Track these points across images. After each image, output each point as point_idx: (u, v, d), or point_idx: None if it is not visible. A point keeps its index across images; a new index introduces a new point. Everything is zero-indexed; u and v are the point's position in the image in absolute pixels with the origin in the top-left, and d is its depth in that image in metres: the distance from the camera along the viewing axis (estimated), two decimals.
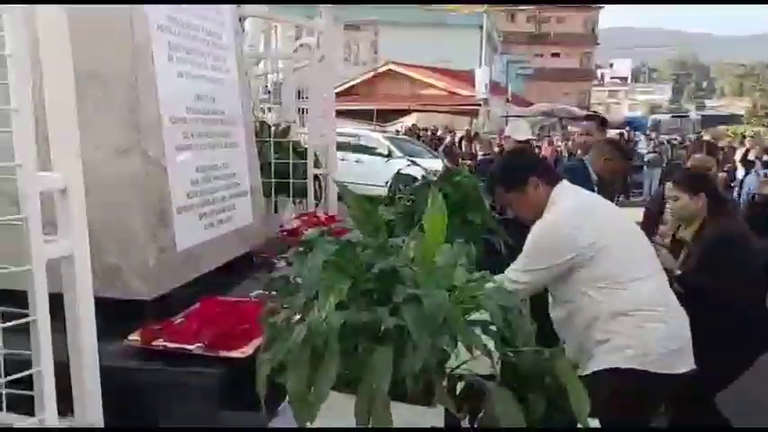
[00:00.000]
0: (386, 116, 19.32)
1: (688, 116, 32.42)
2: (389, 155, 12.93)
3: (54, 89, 1.21)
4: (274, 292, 1.46)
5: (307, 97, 3.46)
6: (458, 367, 1.30)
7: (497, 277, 2.15)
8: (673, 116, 31.29)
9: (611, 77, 67.58)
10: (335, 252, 1.28)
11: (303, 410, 1.15)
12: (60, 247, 1.23)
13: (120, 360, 1.46)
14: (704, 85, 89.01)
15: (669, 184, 2.89)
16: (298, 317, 1.31)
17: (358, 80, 21.71)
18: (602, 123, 4.30)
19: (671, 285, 2.40)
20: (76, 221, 1.25)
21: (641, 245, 2.19)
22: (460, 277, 1.34)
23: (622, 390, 1.92)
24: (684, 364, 2.03)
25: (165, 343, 1.47)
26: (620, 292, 2.00)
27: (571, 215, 2.10)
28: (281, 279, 1.39)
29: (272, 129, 3.27)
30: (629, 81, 71.21)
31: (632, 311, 1.99)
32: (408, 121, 19.28)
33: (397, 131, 17.06)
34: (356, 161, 11.41)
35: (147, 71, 1.74)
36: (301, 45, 3.68)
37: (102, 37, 1.61)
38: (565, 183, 2.22)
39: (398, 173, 2.87)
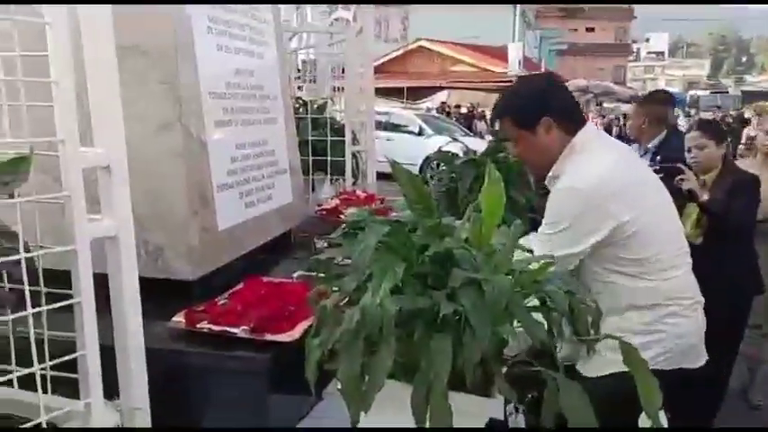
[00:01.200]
0: (416, 93, 19.11)
1: (728, 92, 31.42)
2: (420, 133, 12.83)
3: (95, 61, 1.15)
4: (321, 274, 1.41)
5: (343, 72, 3.38)
6: (517, 355, 1.23)
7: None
8: (712, 92, 30.38)
9: (648, 52, 65.74)
10: (388, 233, 1.21)
11: (356, 400, 1.10)
12: (104, 227, 1.18)
13: (164, 342, 1.43)
14: (743, 60, 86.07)
15: (693, 134, 2.92)
16: (346, 299, 1.25)
17: (388, 57, 21.47)
18: (667, 102, 4.06)
19: (701, 211, 2.69)
20: (120, 200, 1.20)
21: (675, 221, 1.84)
22: (520, 260, 1.27)
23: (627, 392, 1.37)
24: (699, 358, 1.78)
25: (209, 325, 1.43)
26: (645, 280, 1.68)
27: (611, 181, 1.68)
28: (328, 261, 1.33)
29: (309, 105, 3.20)
30: (666, 56, 69.21)
31: (655, 305, 1.69)
32: (439, 98, 19.04)
33: (428, 109, 16.86)
34: (387, 139, 11.31)
35: (187, 44, 1.68)
36: (336, 19, 3.59)
37: (144, 10, 1.55)
38: (589, 129, 1.80)
39: (440, 150, 2.78)
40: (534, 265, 1.24)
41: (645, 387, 1.14)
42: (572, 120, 1.76)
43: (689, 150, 2.89)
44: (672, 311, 1.69)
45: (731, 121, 15.44)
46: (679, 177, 2.76)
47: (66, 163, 1.10)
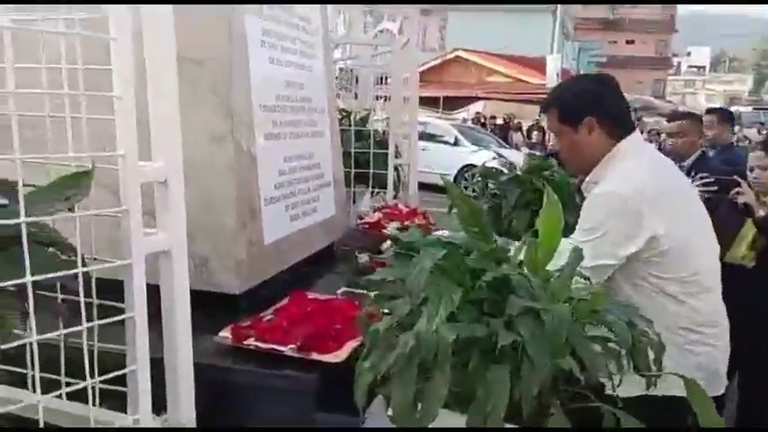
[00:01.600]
0: (452, 103, 19.05)
1: None
2: (456, 143, 12.77)
3: (157, 75, 1.15)
4: (372, 294, 1.38)
5: (383, 81, 3.36)
6: (574, 386, 1.19)
7: None
8: (755, 108, 29.60)
9: (689, 66, 64.49)
10: (444, 257, 1.18)
11: (409, 428, 1.07)
12: (160, 241, 1.18)
13: (211, 358, 1.42)
14: None
15: (758, 153, 2.78)
16: (396, 322, 1.23)
17: (426, 66, 21.47)
18: (728, 119, 3.85)
19: (757, 229, 2.52)
20: (176, 214, 1.20)
21: (712, 238, 1.73)
22: (579, 288, 1.22)
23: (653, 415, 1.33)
24: (721, 386, 1.69)
25: (256, 343, 1.42)
26: (675, 303, 1.59)
27: (650, 190, 1.61)
28: (380, 282, 1.30)
29: (352, 116, 3.19)
30: (707, 70, 67.79)
31: (683, 330, 1.60)
32: (475, 108, 18.94)
33: (464, 119, 16.79)
34: (423, 149, 11.27)
35: (241, 57, 1.68)
36: (381, 31, 3.59)
37: (200, 21, 1.55)
38: (636, 136, 1.74)
39: (484, 166, 2.73)
40: (590, 293, 1.20)
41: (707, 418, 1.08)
42: (618, 124, 1.71)
43: (751, 170, 2.77)
44: (701, 338, 1.61)
45: None
46: (735, 190, 2.66)
47: (126, 177, 1.11)
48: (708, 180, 2.90)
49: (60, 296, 1.16)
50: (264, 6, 1.83)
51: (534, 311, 1.10)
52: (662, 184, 1.67)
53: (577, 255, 1.27)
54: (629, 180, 1.61)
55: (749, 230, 2.67)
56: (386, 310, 1.27)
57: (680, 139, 3.25)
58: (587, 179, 1.75)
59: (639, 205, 1.57)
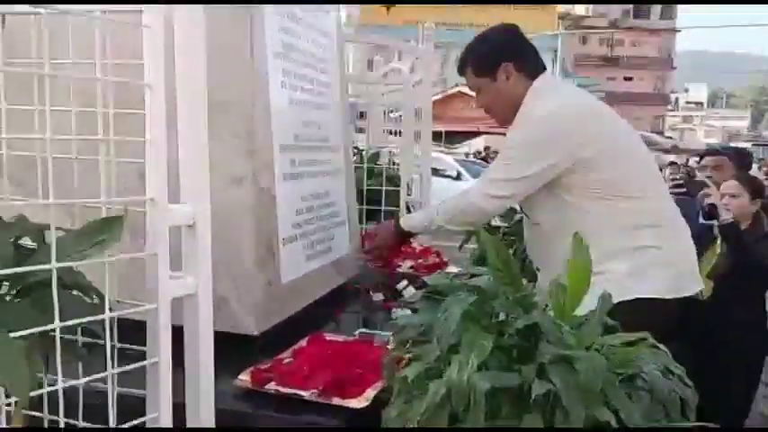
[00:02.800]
0: (454, 138, 19.18)
1: None
2: (458, 177, 12.82)
3: (188, 119, 1.16)
4: (392, 336, 1.37)
5: (400, 117, 3.38)
6: None
7: (465, 190, 1.91)
8: (754, 144, 29.83)
9: (687, 102, 65.22)
10: (473, 303, 1.17)
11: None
12: (186, 285, 1.17)
13: (231, 402, 1.39)
14: None
15: (730, 183, 2.79)
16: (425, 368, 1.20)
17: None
18: (742, 159, 3.85)
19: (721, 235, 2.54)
20: (203, 257, 1.19)
21: (652, 164, 1.85)
22: (611, 336, 1.21)
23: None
24: (690, 287, 1.75)
25: (277, 387, 1.39)
26: (617, 202, 1.67)
27: (573, 107, 1.74)
28: (406, 327, 1.28)
29: (363, 153, 3.21)
30: (704, 106, 68.52)
31: (629, 228, 1.68)
32: (477, 143, 19.08)
33: (466, 154, 16.90)
34: None
35: (263, 99, 1.70)
36: (392, 69, 3.63)
37: (224, 64, 1.57)
38: (548, 75, 1.84)
39: None
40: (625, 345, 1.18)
41: None
42: (532, 66, 1.80)
43: (722, 197, 2.79)
44: (658, 233, 1.69)
45: None
46: (703, 192, 2.63)
47: (154, 221, 1.10)
48: (678, 182, 2.96)
49: (80, 339, 1.16)
50: (286, 47, 1.85)
51: (567, 359, 1.09)
52: (579, 101, 1.80)
53: (606, 302, 1.26)
54: (545, 105, 1.72)
55: (713, 256, 2.62)
56: (409, 356, 1.25)
57: (716, 172, 3.23)
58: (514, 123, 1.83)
59: (559, 120, 1.69)
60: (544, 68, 1.84)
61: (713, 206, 2.56)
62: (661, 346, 1.19)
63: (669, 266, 1.71)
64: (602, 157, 1.68)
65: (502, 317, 1.18)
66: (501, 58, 1.78)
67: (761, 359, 2.80)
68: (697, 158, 3.89)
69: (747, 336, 2.61)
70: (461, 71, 1.90)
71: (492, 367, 1.12)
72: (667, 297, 1.67)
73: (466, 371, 1.06)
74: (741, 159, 3.77)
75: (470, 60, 1.84)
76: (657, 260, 1.69)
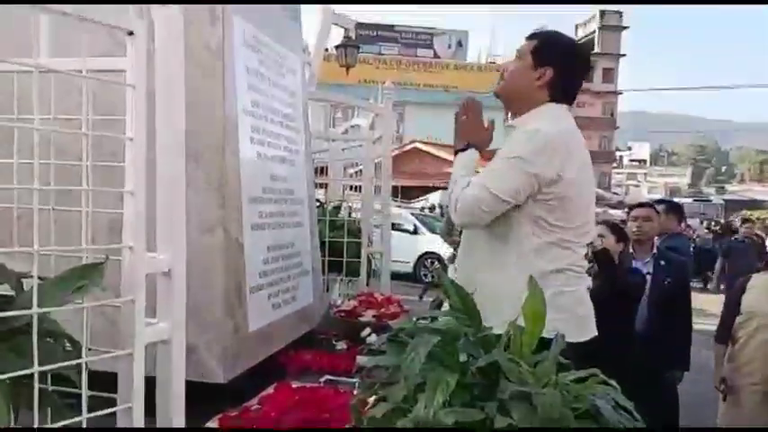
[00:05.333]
0: (410, 193, 19.50)
1: (711, 201, 32.30)
2: (416, 231, 12.99)
3: (166, 171, 1.22)
4: (358, 380, 1.41)
5: (358, 172, 3.47)
6: None
7: (472, 187, 1.76)
8: (695, 200, 31.20)
9: (630, 160, 68.08)
10: (438, 344, 1.23)
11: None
12: (159, 331, 1.20)
13: None
14: (723, 170, 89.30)
15: (600, 226, 3.03)
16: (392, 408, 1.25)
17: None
18: (676, 210, 4.16)
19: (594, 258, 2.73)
20: (177, 304, 1.22)
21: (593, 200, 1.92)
22: (565, 374, 1.28)
23: None
24: (590, 330, 1.84)
25: None
26: (560, 248, 1.74)
27: (570, 138, 1.79)
28: (376, 368, 1.34)
29: (324, 206, 3.28)
30: (647, 164, 71.61)
31: (567, 270, 1.76)
32: (433, 198, 19.42)
33: (422, 208, 17.16)
34: None
35: (233, 152, 1.77)
36: (352, 126, 3.76)
37: (195, 118, 1.64)
38: (565, 108, 1.89)
39: (454, 256, 2.83)
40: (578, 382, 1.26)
41: None
42: (563, 93, 1.86)
43: (635, 219, 3.28)
44: (578, 276, 1.79)
45: (718, 228, 15.80)
46: (599, 233, 2.85)
47: (133, 268, 1.14)
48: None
49: (50, 387, 1.17)
50: (254, 104, 1.94)
51: (526, 396, 1.16)
52: (574, 139, 1.82)
53: (560, 342, 1.34)
54: (552, 124, 1.76)
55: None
56: (376, 397, 1.30)
57: (645, 223, 3.43)
58: (511, 122, 1.91)
59: (558, 146, 1.73)
60: (570, 103, 1.92)
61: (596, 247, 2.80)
62: (611, 381, 1.27)
63: (583, 304, 1.83)
64: (564, 200, 1.74)
65: (464, 357, 1.24)
66: (553, 62, 1.83)
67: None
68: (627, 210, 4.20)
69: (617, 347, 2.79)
70: (530, 37, 1.93)
71: (456, 404, 1.18)
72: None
73: (432, 407, 1.12)
74: (676, 211, 4.07)
75: (540, 40, 1.88)
76: (572, 299, 1.79)
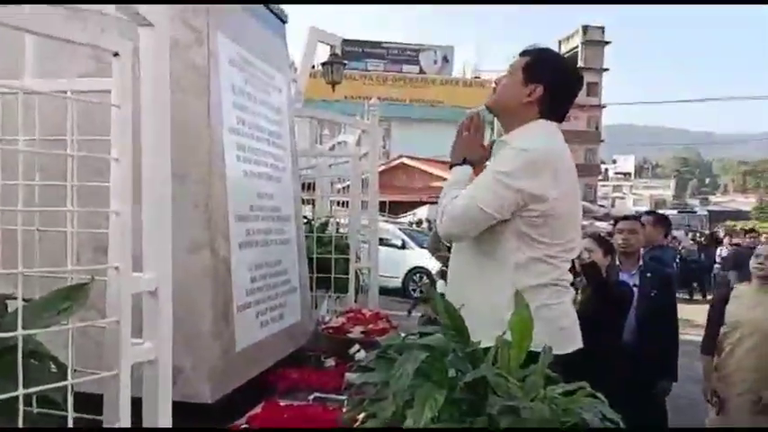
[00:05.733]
0: (398, 208, 19.53)
1: (695, 212, 32.64)
2: (404, 246, 13.00)
3: (152, 190, 1.22)
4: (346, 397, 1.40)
5: (345, 188, 3.47)
6: None
7: (460, 199, 1.76)
8: (680, 212, 31.51)
9: (615, 173, 68.77)
10: (426, 360, 1.23)
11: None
12: (146, 351, 1.20)
13: None
14: (707, 181, 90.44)
15: (587, 240, 3.08)
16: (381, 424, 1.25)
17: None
18: (662, 222, 4.20)
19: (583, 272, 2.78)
20: (164, 323, 1.22)
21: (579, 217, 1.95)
22: (554, 387, 1.29)
23: None
24: (576, 342, 1.85)
25: None
26: (547, 257, 1.76)
27: (557, 158, 1.81)
28: (365, 385, 1.33)
29: (312, 223, 3.28)
30: (632, 176, 72.35)
31: (551, 285, 1.78)
32: (421, 213, 19.47)
33: (410, 223, 17.19)
34: None
35: (219, 171, 1.77)
36: (339, 143, 3.77)
37: (182, 137, 1.64)
38: (555, 125, 1.91)
39: (442, 271, 2.84)
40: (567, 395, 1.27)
41: None
42: (551, 111, 1.88)
43: (621, 231, 3.30)
44: (562, 291, 1.81)
45: (703, 240, 15.96)
46: (586, 247, 2.86)
47: (119, 288, 1.14)
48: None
49: (35, 409, 1.16)
50: (240, 122, 1.95)
51: (514, 410, 1.16)
52: (563, 155, 1.85)
53: (547, 355, 1.35)
54: (540, 142, 1.79)
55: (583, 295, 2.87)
56: (365, 414, 1.30)
57: (631, 236, 3.47)
58: (500, 138, 1.93)
59: (545, 164, 1.75)
60: (560, 120, 1.94)
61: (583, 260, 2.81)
62: (599, 394, 1.27)
63: (568, 316, 1.85)
64: (558, 205, 1.75)
65: (452, 372, 1.25)
66: (544, 80, 1.85)
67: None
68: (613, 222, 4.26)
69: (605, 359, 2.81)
70: (523, 53, 1.95)
71: (445, 419, 1.18)
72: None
73: (420, 423, 1.12)
74: (663, 224, 4.11)
75: (533, 57, 1.91)
76: (557, 312, 1.81)
